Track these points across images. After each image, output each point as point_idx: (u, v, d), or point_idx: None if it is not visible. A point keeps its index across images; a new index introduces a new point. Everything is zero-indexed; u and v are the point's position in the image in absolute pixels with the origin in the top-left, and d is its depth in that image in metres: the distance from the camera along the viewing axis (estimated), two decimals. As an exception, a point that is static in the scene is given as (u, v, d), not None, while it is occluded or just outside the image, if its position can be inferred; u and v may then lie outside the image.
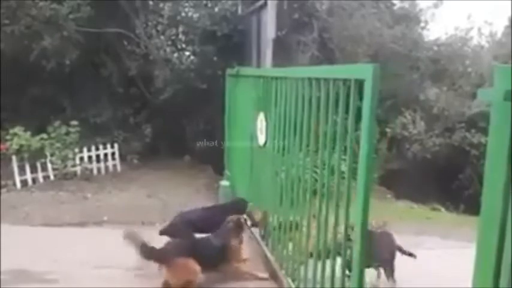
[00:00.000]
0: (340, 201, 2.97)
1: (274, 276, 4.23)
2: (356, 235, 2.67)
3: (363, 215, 2.61)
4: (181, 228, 4.46)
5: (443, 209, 7.98)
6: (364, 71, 2.59)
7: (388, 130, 9.09)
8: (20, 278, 4.22)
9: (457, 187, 8.76)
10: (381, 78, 2.51)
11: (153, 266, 4.53)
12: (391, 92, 9.35)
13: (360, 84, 2.62)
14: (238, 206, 4.76)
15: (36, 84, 8.68)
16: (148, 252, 3.80)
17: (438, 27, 12.95)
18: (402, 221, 6.49)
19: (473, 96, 8.81)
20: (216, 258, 4.02)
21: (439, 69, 9.84)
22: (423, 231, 5.94)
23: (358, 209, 2.62)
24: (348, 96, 2.81)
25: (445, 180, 8.75)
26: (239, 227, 4.21)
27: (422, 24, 10.55)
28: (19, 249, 4.74)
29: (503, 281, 1.54)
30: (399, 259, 4.34)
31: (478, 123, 8.77)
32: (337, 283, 2.97)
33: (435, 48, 10.33)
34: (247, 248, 4.35)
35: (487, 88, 1.61)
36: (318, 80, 3.28)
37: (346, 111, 2.84)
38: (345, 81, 2.85)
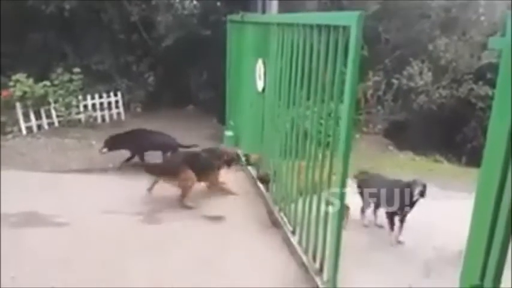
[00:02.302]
0: (326, 145, 3.32)
1: (274, 222, 4.39)
2: (338, 171, 3.00)
3: (345, 153, 2.90)
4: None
5: (445, 161, 8.02)
6: (349, 18, 2.75)
7: (394, 81, 8.95)
8: (31, 220, 4.37)
9: (460, 140, 8.74)
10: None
11: (156, 210, 4.71)
12: (400, 41, 9.11)
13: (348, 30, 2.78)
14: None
15: (37, 31, 8.50)
16: (153, 168, 5.05)
17: (452, -27, 12.35)
18: (403, 172, 6.55)
19: (484, 46, 8.56)
20: (204, 171, 4.98)
21: (451, 17, 9.48)
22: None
23: (341, 147, 2.92)
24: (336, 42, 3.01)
25: (450, 133, 8.72)
26: (228, 158, 5.22)
27: (435, -30, 10.05)
28: (28, 194, 4.88)
29: (500, 230, 1.58)
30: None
31: (487, 75, 8.59)
32: (322, 215, 3.36)
33: (447, -5, 9.91)
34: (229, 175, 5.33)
35: (499, 37, 1.57)
36: (311, 26, 3.43)
37: (335, 59, 3.04)
38: (335, 27, 3.01)
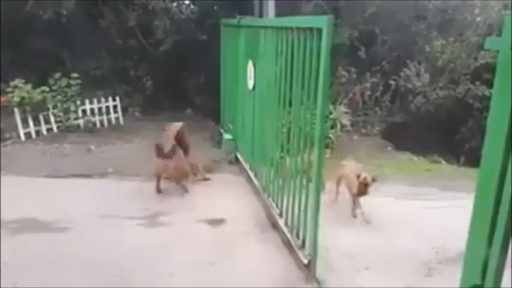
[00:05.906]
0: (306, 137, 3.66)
1: (272, 223, 4.40)
2: (314, 157, 3.40)
3: (320, 144, 3.32)
4: None
5: (443, 162, 8.03)
6: (321, 21, 3.13)
7: (392, 82, 8.98)
8: (29, 226, 4.36)
9: (458, 140, 8.76)
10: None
11: (156, 214, 4.70)
12: (397, 43, 9.15)
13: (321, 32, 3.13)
14: None
15: (35, 36, 8.49)
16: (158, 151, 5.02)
17: (447, -25, 12.40)
18: (402, 172, 6.58)
19: (480, 47, 8.59)
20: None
21: (447, 19, 9.52)
22: (422, 183, 6.02)
23: (316, 140, 3.34)
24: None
25: (447, 133, 8.73)
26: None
27: (431, -29, 10.08)
28: (27, 200, 4.87)
29: (500, 230, 1.59)
30: (396, 208, 4.45)
31: (483, 75, 8.61)
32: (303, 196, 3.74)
33: (443, -4, 9.95)
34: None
35: (495, 37, 1.58)
36: (291, 28, 3.76)
37: (311, 58, 3.34)
38: (310, 29, 3.34)
